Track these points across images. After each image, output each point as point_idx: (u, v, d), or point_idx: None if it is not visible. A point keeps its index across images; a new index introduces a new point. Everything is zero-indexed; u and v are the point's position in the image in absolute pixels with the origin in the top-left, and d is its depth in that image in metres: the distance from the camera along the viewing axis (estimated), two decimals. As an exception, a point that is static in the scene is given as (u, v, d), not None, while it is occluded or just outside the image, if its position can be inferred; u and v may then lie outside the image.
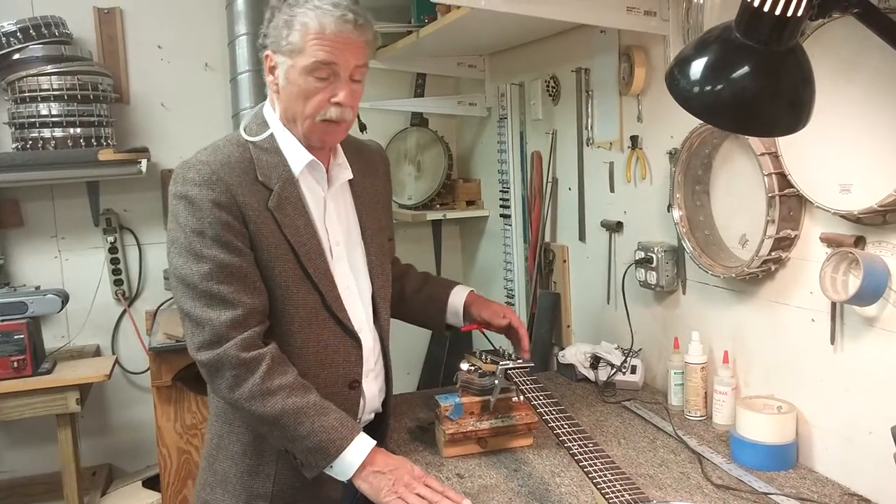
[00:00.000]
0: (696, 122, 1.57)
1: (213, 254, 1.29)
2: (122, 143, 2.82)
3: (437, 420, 1.59)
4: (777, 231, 1.40)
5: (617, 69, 1.97)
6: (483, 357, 1.64)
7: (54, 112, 2.55)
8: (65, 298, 2.52)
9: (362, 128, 2.69)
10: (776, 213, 1.39)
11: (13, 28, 2.51)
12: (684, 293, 1.82)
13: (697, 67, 0.89)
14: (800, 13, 0.81)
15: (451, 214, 2.98)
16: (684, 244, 1.67)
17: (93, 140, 2.61)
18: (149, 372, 2.54)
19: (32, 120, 2.54)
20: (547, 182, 2.45)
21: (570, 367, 2.01)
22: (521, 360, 1.57)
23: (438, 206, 3.01)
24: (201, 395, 2.51)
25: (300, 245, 1.36)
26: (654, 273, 1.83)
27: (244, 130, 1.40)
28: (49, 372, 2.47)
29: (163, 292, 2.88)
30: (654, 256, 1.82)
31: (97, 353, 2.92)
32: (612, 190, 2.09)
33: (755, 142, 1.40)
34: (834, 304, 1.35)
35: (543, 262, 2.51)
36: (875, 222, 1.24)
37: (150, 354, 2.47)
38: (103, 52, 2.84)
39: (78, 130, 2.58)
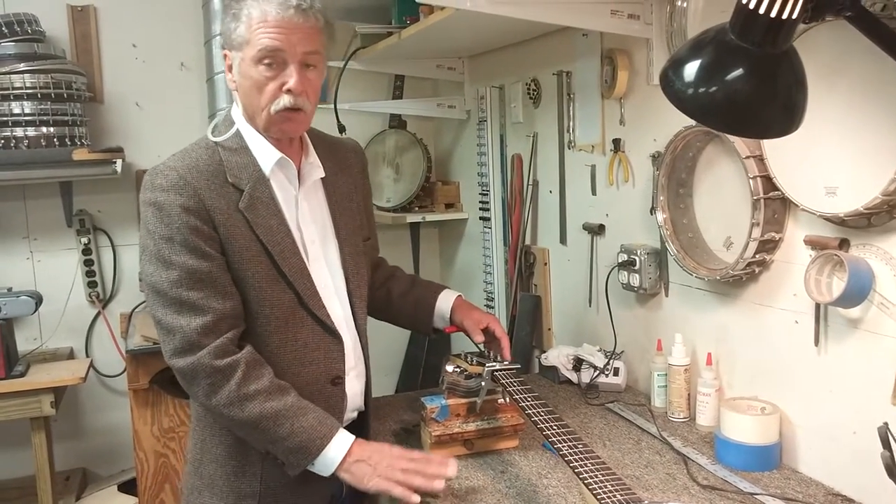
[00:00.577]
0: (679, 125, 1.59)
1: (182, 260, 1.28)
2: (97, 143, 2.77)
3: (423, 422, 1.58)
4: (762, 234, 1.41)
5: (599, 72, 1.98)
6: (468, 359, 1.63)
7: (27, 111, 2.49)
8: (38, 300, 2.47)
9: (341, 129, 2.67)
10: (761, 216, 1.40)
11: (-16, 24, 2.45)
12: (667, 295, 1.83)
13: (692, 69, 0.90)
14: (794, 16, 0.81)
15: (430, 217, 2.97)
16: (668, 247, 1.68)
17: (66, 139, 2.56)
18: (124, 375, 2.50)
19: (4, 118, 2.48)
20: (527, 185, 2.45)
21: (553, 370, 2.02)
22: (507, 362, 1.57)
23: (417, 208, 3.00)
24: (179, 398, 2.47)
25: (274, 245, 1.35)
26: (636, 275, 1.84)
27: (211, 133, 1.40)
28: (22, 375, 2.42)
29: (137, 294, 2.83)
30: (636, 259, 1.83)
31: (71, 355, 2.86)
32: (593, 193, 2.10)
33: (740, 145, 1.42)
34: (818, 306, 1.37)
35: (524, 265, 2.51)
36: (860, 225, 1.26)
37: (127, 357, 2.42)
38: (77, 51, 2.79)
39: (51, 129, 2.53)
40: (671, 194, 1.69)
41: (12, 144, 2.49)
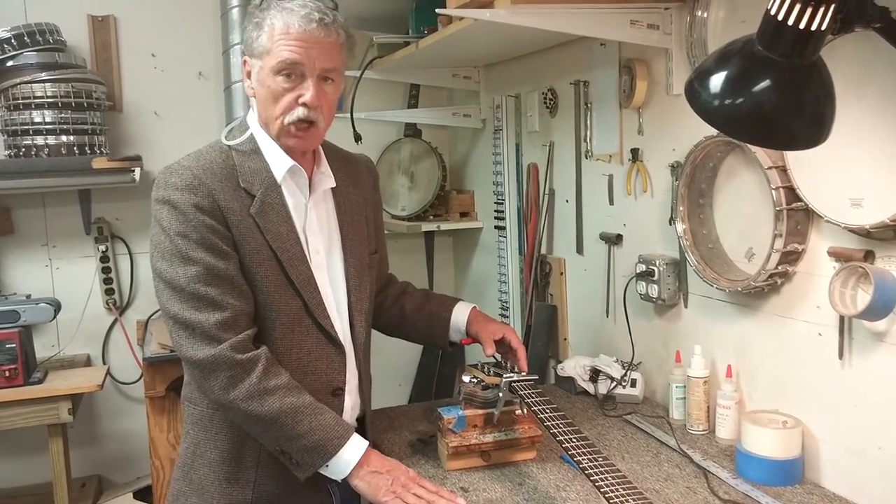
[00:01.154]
0: (699, 135, 1.58)
1: (200, 256, 1.29)
2: (115, 152, 2.79)
3: (440, 433, 1.57)
4: (784, 245, 1.40)
5: (617, 82, 1.97)
6: (485, 369, 1.62)
7: (48, 119, 2.51)
8: (57, 307, 2.48)
9: (357, 138, 2.67)
10: (784, 227, 1.39)
11: (7, 35, 2.48)
12: (686, 306, 1.82)
13: (718, 80, 0.89)
14: (823, 27, 0.81)
15: (444, 226, 2.96)
16: (688, 257, 1.67)
17: (86, 148, 2.58)
18: (140, 382, 2.50)
19: (26, 127, 2.50)
20: (543, 194, 2.45)
21: (569, 380, 2.00)
22: (524, 373, 1.56)
23: (432, 217, 3.00)
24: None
25: (283, 251, 1.36)
26: (655, 286, 1.83)
27: (226, 136, 1.41)
28: (41, 381, 2.42)
29: (154, 302, 2.80)
30: (655, 269, 1.82)
31: (88, 362, 2.87)
32: (611, 202, 2.09)
33: (762, 155, 1.41)
34: (842, 319, 1.35)
35: (540, 275, 2.50)
36: (885, 237, 1.25)
37: (144, 365, 2.43)
38: (97, 60, 2.81)
39: (71, 138, 2.55)
40: (691, 205, 1.68)
41: (33, 153, 2.51)
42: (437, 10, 1.68)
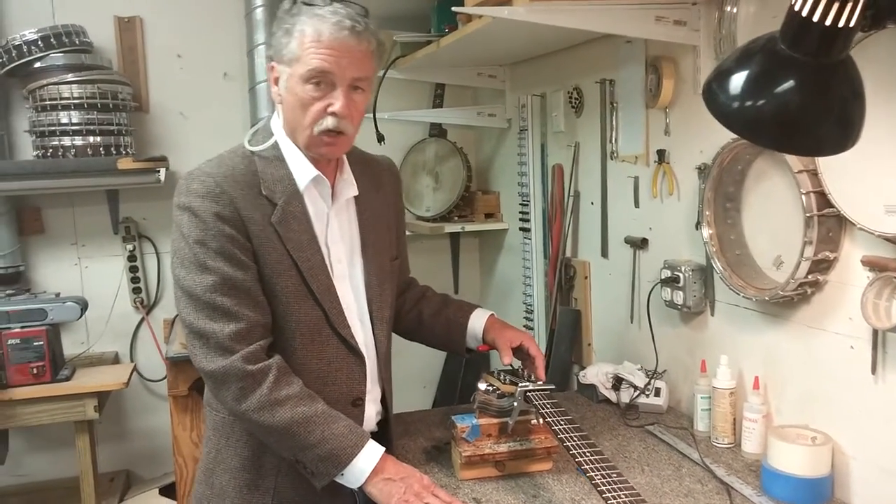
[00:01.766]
0: (727, 136, 1.51)
1: (218, 266, 1.28)
2: (142, 152, 2.81)
3: (454, 441, 1.53)
4: (815, 253, 1.33)
5: (644, 81, 1.91)
6: (502, 377, 1.58)
7: (74, 120, 2.54)
8: (84, 306, 2.51)
9: (380, 139, 2.65)
10: (814, 234, 1.32)
11: (34, 36, 2.51)
12: (713, 314, 1.75)
13: (738, 81, 0.84)
14: (852, 24, 0.75)
15: (469, 227, 2.92)
16: (714, 264, 1.60)
17: (112, 149, 2.60)
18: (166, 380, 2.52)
19: (53, 128, 2.53)
20: (568, 196, 2.39)
21: (591, 388, 1.95)
22: (541, 382, 1.52)
23: (456, 218, 2.96)
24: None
25: (304, 261, 1.34)
26: (680, 293, 1.76)
27: (249, 142, 1.38)
28: (68, 379, 2.46)
29: (179, 302, 2.85)
30: (680, 275, 1.75)
31: (116, 359, 2.91)
32: (636, 205, 2.03)
33: (792, 159, 1.34)
34: (875, 332, 1.28)
35: (564, 278, 2.45)
36: (922, 246, 1.17)
37: (167, 364, 2.45)
38: (123, 61, 2.83)
39: (97, 139, 2.57)
40: (718, 209, 1.61)
41: (60, 153, 2.54)
42: (453, 8, 1.64)
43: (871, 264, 1.28)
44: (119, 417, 2.99)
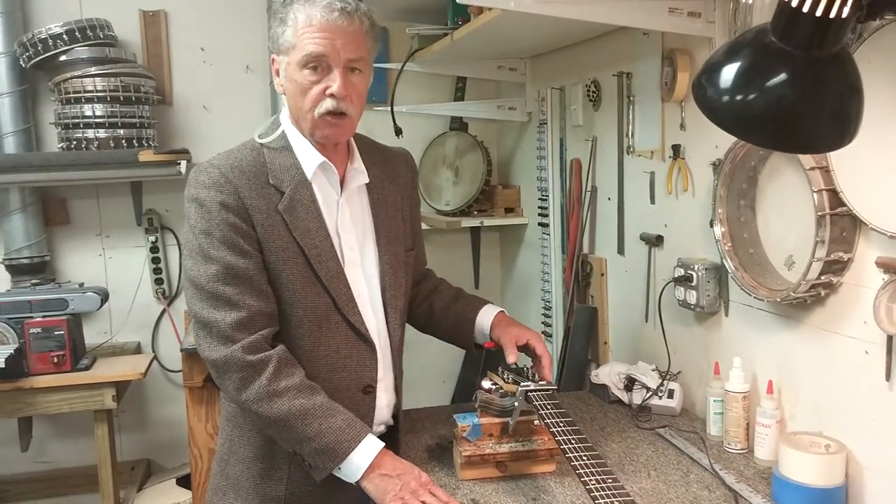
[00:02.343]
0: (741, 131, 1.46)
1: (221, 255, 1.30)
2: (165, 145, 2.84)
3: (455, 440, 1.51)
4: (827, 253, 1.27)
5: (660, 74, 1.86)
6: (505, 376, 1.55)
7: (98, 113, 2.58)
8: (104, 296, 2.55)
9: (398, 132, 2.63)
10: (826, 234, 1.26)
11: (60, 30, 2.55)
12: (727, 315, 1.70)
13: (728, 74, 0.80)
14: (844, 14, 0.70)
15: (488, 222, 2.89)
16: (726, 263, 1.55)
17: (134, 141, 2.63)
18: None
19: (77, 121, 2.57)
20: (586, 191, 2.34)
21: (604, 388, 1.91)
22: (543, 382, 1.48)
23: (476, 212, 2.93)
24: (231, 398, 2.49)
25: (311, 248, 1.35)
26: (693, 292, 1.71)
27: (258, 134, 1.41)
28: (88, 368, 2.50)
29: (199, 293, 2.88)
30: (693, 274, 1.70)
31: (138, 349, 2.95)
32: (652, 201, 1.97)
33: (804, 155, 1.28)
34: (890, 337, 1.22)
35: (581, 275, 2.40)
36: (938, 248, 1.11)
37: (183, 355, 2.47)
38: (148, 55, 2.87)
39: (120, 131, 2.61)
40: (731, 206, 1.56)
41: (84, 146, 2.58)
42: (459, 1, 1.61)
43: (886, 266, 1.22)
44: (141, 407, 3.04)
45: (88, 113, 2.58)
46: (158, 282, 2.98)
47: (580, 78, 2.33)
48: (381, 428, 1.50)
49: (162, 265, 2.97)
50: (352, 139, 1.46)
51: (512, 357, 1.54)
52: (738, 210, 1.55)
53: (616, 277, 2.23)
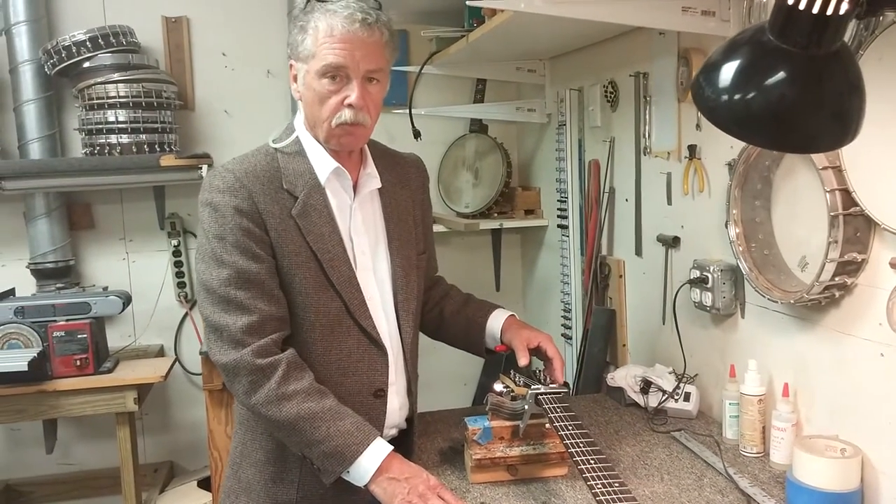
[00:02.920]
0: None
1: (233, 260, 1.31)
2: (187, 150, 2.87)
3: (466, 443, 1.51)
4: (840, 254, 1.25)
5: (676, 73, 1.84)
6: (517, 379, 1.55)
7: (121, 118, 2.62)
8: (126, 300, 2.59)
9: (416, 135, 2.63)
10: (840, 234, 1.24)
11: (83, 37, 2.60)
12: (743, 317, 1.67)
13: (726, 73, 0.79)
14: (842, 11, 0.69)
15: (507, 223, 2.89)
16: (740, 264, 1.53)
17: (157, 146, 2.67)
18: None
19: (100, 126, 2.62)
20: (604, 192, 2.33)
21: (620, 391, 1.89)
22: (554, 385, 1.48)
23: (496, 214, 2.92)
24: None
25: (324, 252, 1.36)
26: (709, 294, 1.69)
27: (272, 140, 1.42)
28: (110, 371, 2.53)
29: (221, 296, 2.91)
30: (709, 276, 1.68)
31: (160, 352, 2.99)
32: (669, 202, 1.95)
33: (817, 154, 1.26)
34: (904, 340, 1.20)
35: (599, 277, 2.39)
36: (953, 249, 1.08)
37: (202, 358, 2.50)
38: (170, 60, 2.91)
39: (142, 137, 2.65)
40: (745, 207, 1.53)
41: (107, 151, 2.62)
42: (468, 2, 1.61)
43: (900, 268, 1.19)
44: (164, 410, 3.08)
45: (111, 118, 2.62)
46: (181, 285, 3.02)
47: (598, 78, 2.32)
48: (394, 431, 1.51)
49: (184, 269, 3.01)
50: (365, 145, 1.47)
51: (524, 360, 1.53)
52: (752, 211, 1.53)
53: (634, 279, 2.21)
